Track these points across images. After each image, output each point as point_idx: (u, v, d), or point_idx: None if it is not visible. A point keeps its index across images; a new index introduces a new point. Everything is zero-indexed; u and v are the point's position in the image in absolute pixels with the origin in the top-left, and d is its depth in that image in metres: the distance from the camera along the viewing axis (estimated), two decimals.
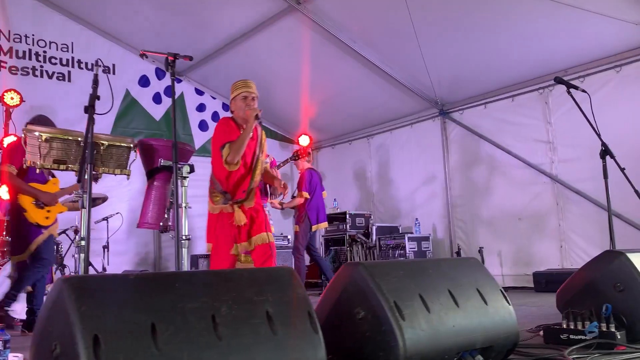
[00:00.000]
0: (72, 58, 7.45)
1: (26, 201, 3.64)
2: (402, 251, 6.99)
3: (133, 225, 7.18)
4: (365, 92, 7.77)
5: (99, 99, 2.79)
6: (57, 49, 7.35)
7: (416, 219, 7.52)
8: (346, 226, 7.80)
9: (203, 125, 8.62)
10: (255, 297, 1.55)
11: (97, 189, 5.96)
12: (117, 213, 6.28)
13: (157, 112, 8.15)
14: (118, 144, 2.56)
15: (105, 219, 6.14)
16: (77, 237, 5.83)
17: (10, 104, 6.46)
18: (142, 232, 7.19)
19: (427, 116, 7.82)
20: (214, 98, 8.80)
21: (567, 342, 2.46)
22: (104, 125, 7.43)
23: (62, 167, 2.54)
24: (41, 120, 3.84)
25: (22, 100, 6.52)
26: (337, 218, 8.05)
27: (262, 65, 7.92)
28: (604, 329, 2.39)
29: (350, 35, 6.75)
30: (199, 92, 8.66)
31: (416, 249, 7.08)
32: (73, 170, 2.47)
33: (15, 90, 6.50)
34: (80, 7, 7.35)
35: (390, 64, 7.08)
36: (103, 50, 7.65)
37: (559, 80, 3.70)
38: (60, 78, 7.30)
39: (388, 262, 2.54)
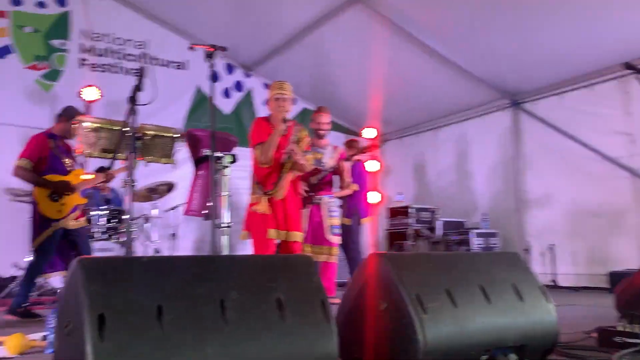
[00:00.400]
0: (147, 55, 7.80)
1: (40, 194, 3.76)
2: (467, 247, 6.77)
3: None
4: (432, 83, 7.58)
5: (140, 91, 2.87)
6: (133, 46, 7.71)
7: (484, 214, 7.26)
8: (410, 220, 7.66)
9: None
10: (267, 283, 1.55)
11: (167, 177, 6.25)
12: (184, 203, 6.51)
13: (227, 106, 8.37)
14: (163, 134, 2.66)
15: (174, 208, 6.39)
16: (147, 224, 6.14)
17: (90, 99, 6.87)
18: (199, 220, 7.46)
19: (497, 107, 7.51)
20: None
21: (622, 346, 2.28)
22: (175, 119, 7.74)
23: (109, 155, 2.68)
24: (70, 111, 3.99)
25: (102, 95, 6.92)
26: (401, 212, 7.92)
27: (327, 58, 7.94)
28: None
29: (416, 26, 6.60)
30: (267, 87, 8.78)
31: (483, 245, 6.83)
32: (120, 159, 2.60)
33: (95, 86, 6.91)
34: (155, 6, 7.67)
35: (457, 53, 6.85)
36: (176, 47, 7.96)
37: (628, 66, 3.43)
38: (136, 74, 7.65)
39: (416, 253, 2.47)
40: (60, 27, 7.21)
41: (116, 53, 7.56)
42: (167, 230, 6.50)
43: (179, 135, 2.79)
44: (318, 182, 4.49)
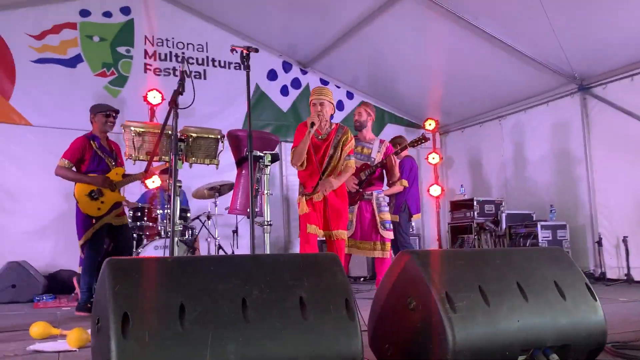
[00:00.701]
0: (207, 57, 8.02)
1: (80, 192, 3.94)
2: (534, 240, 6.50)
3: None
4: (493, 70, 7.32)
5: (182, 95, 2.95)
6: (193, 50, 7.96)
7: (551, 205, 6.94)
8: (474, 213, 7.45)
9: None
10: (290, 281, 1.56)
11: (226, 177, 6.42)
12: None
13: (285, 103, 8.47)
14: (206, 135, 2.73)
15: None
16: (209, 222, 6.33)
17: (153, 103, 7.18)
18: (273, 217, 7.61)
19: (564, 93, 7.14)
20: (338, 87, 8.90)
21: None
22: (235, 119, 7.94)
23: (154, 158, 2.79)
24: (93, 108, 4.22)
25: (163, 99, 7.21)
26: (465, 205, 7.72)
27: (383, 51, 7.85)
28: None
29: (472, 12, 6.40)
30: (324, 82, 8.81)
31: (550, 238, 6.54)
32: (164, 161, 2.70)
33: (157, 90, 7.21)
34: (213, 9, 7.87)
35: (517, 38, 6.57)
36: None
37: None
38: (197, 76, 7.90)
39: (448, 250, 2.37)
40: (125, 35, 7.55)
41: (177, 57, 7.83)
42: (230, 227, 6.68)
43: (222, 136, 2.86)
44: (367, 177, 4.44)
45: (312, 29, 7.83)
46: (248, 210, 3.06)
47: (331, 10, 7.30)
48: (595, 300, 1.89)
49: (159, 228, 5.56)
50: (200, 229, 6.14)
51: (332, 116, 4.06)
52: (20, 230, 6.61)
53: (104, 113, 4.03)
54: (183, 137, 2.57)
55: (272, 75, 8.42)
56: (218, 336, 1.40)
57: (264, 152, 2.89)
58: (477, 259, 1.85)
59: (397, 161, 4.41)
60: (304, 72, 8.66)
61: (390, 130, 9.24)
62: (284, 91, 8.49)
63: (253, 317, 1.46)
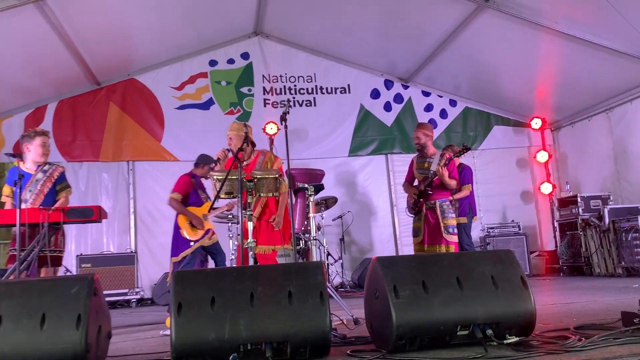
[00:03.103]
0: (316, 86, 9.07)
1: (183, 221, 5.04)
2: (635, 234, 6.46)
3: (364, 221, 8.40)
4: (587, 66, 7.34)
5: (242, 150, 3.85)
6: (303, 81, 9.07)
7: None
8: (579, 210, 7.51)
9: (432, 124, 9.22)
10: (283, 282, 2.40)
11: (331, 193, 7.36)
12: (348, 212, 7.57)
13: (388, 119, 9.19)
14: (267, 176, 3.61)
15: (340, 217, 7.47)
16: (319, 231, 7.31)
17: (270, 133, 8.39)
18: (368, 225, 8.43)
19: None
20: (441, 96, 9.38)
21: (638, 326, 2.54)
22: (343, 138, 8.89)
23: (231, 196, 3.77)
24: (202, 159, 5.34)
25: (278, 129, 8.38)
26: (571, 201, 7.79)
27: (480, 57, 8.17)
28: None
29: (550, 18, 6.61)
30: (426, 94, 9.36)
31: None
32: (237, 197, 3.64)
33: (273, 122, 8.41)
34: (318, 43, 8.90)
35: (603, 33, 6.61)
36: (339, 75, 9.11)
37: None
38: (308, 104, 8.99)
39: (405, 256, 2.75)
40: (246, 76, 8.91)
41: (290, 89, 8.98)
42: (338, 236, 7.61)
43: (280, 175, 3.73)
44: (425, 188, 5.00)
45: (408, 46, 8.44)
46: (302, 228, 3.93)
47: (422, 26, 7.84)
48: (527, 290, 2.44)
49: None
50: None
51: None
52: None
53: (210, 165, 5.21)
54: (250, 179, 3.50)
55: (374, 93, 9.21)
56: (234, 316, 2.29)
57: (310, 184, 3.71)
58: (427, 262, 2.51)
59: (446, 172, 4.86)
60: (406, 87, 9.30)
61: (498, 132, 9.50)
62: (387, 107, 9.21)
63: (257, 305, 2.33)
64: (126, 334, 4.05)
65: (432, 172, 4.91)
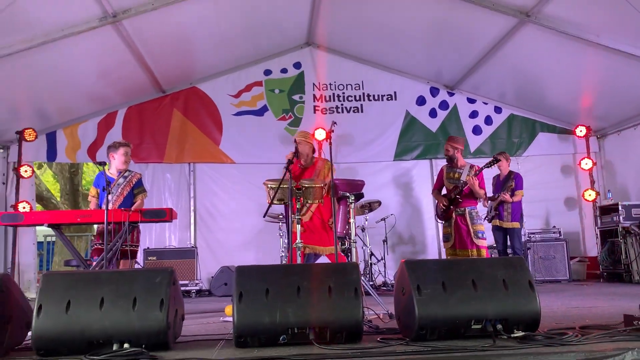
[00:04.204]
0: (363, 94, 9.52)
1: None
2: None
3: (407, 223, 8.79)
4: (632, 77, 7.47)
5: (292, 163, 4.36)
6: (352, 89, 9.54)
7: None
8: (619, 217, 7.66)
9: (477, 130, 9.58)
10: (324, 278, 2.90)
11: (375, 197, 7.81)
12: (391, 214, 8.00)
13: (433, 124, 9.53)
14: (314, 185, 4.12)
15: (383, 219, 7.92)
16: (363, 232, 7.77)
17: (319, 139, 8.86)
18: (412, 228, 8.82)
19: None
20: (486, 103, 9.64)
21: (637, 328, 2.89)
22: (389, 142, 9.32)
23: (282, 202, 4.29)
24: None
25: (328, 135, 8.85)
26: (613, 209, 7.93)
27: (525, 66, 8.39)
28: None
29: (590, 31, 6.81)
30: (471, 101, 9.64)
31: None
32: (287, 204, 4.15)
33: (322, 128, 8.91)
34: (366, 52, 9.34)
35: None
36: (385, 82, 9.53)
37: None
38: (355, 111, 9.46)
39: (428, 260, 3.06)
40: (298, 85, 9.46)
41: (339, 97, 9.48)
42: (381, 237, 8.05)
43: (325, 184, 4.21)
44: (455, 196, 5.41)
45: (453, 55, 8.76)
46: (344, 232, 4.42)
47: (467, 37, 8.13)
48: (534, 291, 2.84)
49: None
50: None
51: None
52: (231, 243, 8.86)
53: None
54: (299, 187, 4.01)
55: (420, 100, 9.57)
56: (283, 305, 2.81)
57: (350, 192, 4.17)
58: (447, 265, 2.95)
59: (476, 181, 5.25)
60: (451, 94, 9.62)
61: (543, 138, 9.67)
62: (433, 113, 9.56)
63: (302, 296, 2.84)
64: (191, 319, 4.65)
65: (462, 181, 5.30)
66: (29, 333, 2.97)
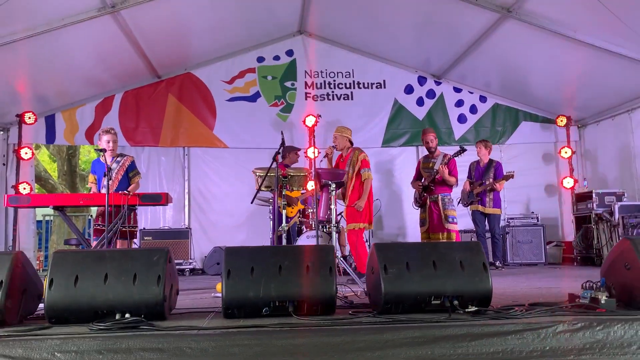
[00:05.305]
0: (353, 81, 9.83)
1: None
2: None
3: (391, 208, 9.17)
4: (609, 70, 7.81)
5: (279, 154, 4.71)
6: (342, 77, 9.84)
7: None
8: (593, 205, 8.06)
9: (462, 118, 9.92)
10: (303, 258, 3.28)
11: None
12: (377, 199, 8.37)
13: (420, 113, 9.88)
14: (298, 174, 4.48)
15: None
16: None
17: (309, 125, 9.22)
18: (398, 212, 9.20)
19: None
20: (472, 93, 9.96)
21: (577, 305, 3.29)
22: (377, 129, 9.66)
23: (269, 189, 4.65)
24: (289, 148, 6.25)
25: (317, 121, 9.20)
26: (587, 196, 8.34)
27: (505, 60, 8.75)
28: (594, 296, 3.15)
29: (569, 27, 7.13)
30: (457, 90, 9.97)
31: None
32: (273, 191, 4.50)
33: (312, 114, 9.24)
34: (357, 41, 9.63)
35: (624, 43, 7.08)
36: (375, 71, 9.83)
37: None
38: (345, 98, 9.78)
39: (395, 243, 3.41)
40: (290, 72, 9.76)
41: (330, 84, 9.78)
42: None
43: (309, 173, 4.57)
44: (429, 184, 5.81)
45: (441, 45, 9.06)
46: (325, 217, 4.82)
47: (454, 28, 8.42)
48: (487, 272, 3.23)
49: (311, 222, 7.56)
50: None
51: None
52: (224, 224, 9.24)
53: (296, 152, 6.25)
54: (285, 175, 4.37)
55: (408, 89, 9.89)
56: (267, 281, 3.18)
57: (332, 181, 4.53)
58: (412, 248, 3.34)
59: (446, 169, 5.66)
60: (438, 83, 9.94)
61: (526, 127, 10.03)
62: (420, 102, 9.89)
63: (284, 274, 3.21)
64: (185, 294, 5.04)
65: (435, 170, 5.68)
66: (41, 304, 3.36)
